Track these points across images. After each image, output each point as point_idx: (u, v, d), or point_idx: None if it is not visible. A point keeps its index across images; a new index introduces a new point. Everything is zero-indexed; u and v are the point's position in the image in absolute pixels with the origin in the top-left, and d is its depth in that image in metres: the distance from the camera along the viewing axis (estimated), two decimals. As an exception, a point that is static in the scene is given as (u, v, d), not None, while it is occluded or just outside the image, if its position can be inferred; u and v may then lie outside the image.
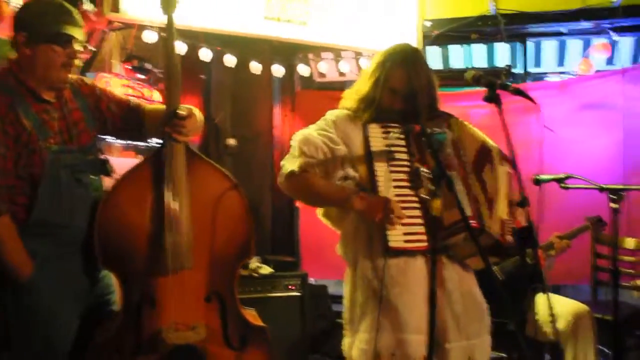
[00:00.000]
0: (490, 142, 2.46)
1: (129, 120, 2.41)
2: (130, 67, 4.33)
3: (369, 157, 2.28)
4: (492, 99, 2.14)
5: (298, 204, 5.20)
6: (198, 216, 2.29)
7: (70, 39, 2.14)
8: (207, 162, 2.38)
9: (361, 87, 2.41)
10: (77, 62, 2.21)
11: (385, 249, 2.21)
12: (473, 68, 6.03)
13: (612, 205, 3.06)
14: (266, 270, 4.16)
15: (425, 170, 2.09)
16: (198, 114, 2.35)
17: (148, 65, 4.36)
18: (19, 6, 3.31)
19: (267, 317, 2.52)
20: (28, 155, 2.09)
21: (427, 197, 2.05)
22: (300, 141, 2.31)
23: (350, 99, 2.44)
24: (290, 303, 4.15)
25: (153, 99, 4.49)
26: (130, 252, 2.24)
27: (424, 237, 2.21)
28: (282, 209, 5.31)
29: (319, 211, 2.48)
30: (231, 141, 5.15)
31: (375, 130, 2.32)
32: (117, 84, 4.18)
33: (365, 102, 2.37)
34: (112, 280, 2.37)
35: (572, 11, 4.80)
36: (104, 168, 2.34)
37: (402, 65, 2.35)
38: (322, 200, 2.39)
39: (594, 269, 4.19)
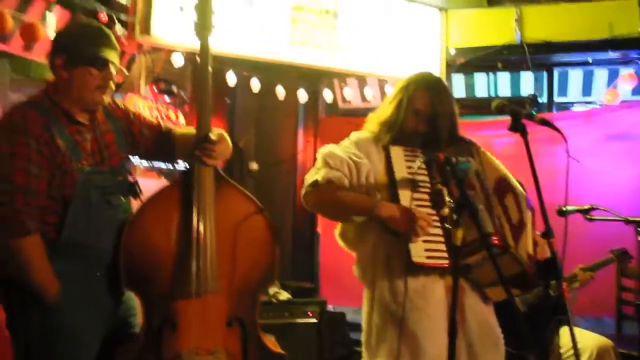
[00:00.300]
0: (515, 182, 2.44)
1: (160, 144, 2.43)
2: (157, 90, 4.39)
3: (393, 184, 2.27)
4: (517, 128, 2.13)
5: (319, 228, 5.20)
6: (224, 240, 2.29)
7: (107, 62, 2.17)
8: (235, 186, 2.38)
9: (384, 110, 2.43)
10: (111, 84, 2.24)
11: (407, 264, 2.19)
12: (498, 97, 6.03)
13: (639, 238, 3.01)
14: (284, 296, 4.15)
15: (448, 199, 2.08)
16: (228, 138, 2.37)
17: (174, 88, 4.42)
18: (53, 27, 3.41)
19: (284, 344, 2.50)
20: (61, 176, 2.12)
21: (449, 225, 2.03)
22: (325, 154, 2.32)
23: (372, 122, 2.45)
24: (307, 330, 4.12)
25: (178, 121, 4.56)
26: (155, 274, 2.24)
27: (445, 255, 2.20)
28: (303, 235, 5.32)
29: (336, 232, 2.47)
30: (254, 165, 5.19)
31: (397, 152, 2.32)
32: (143, 105, 4.25)
33: (387, 125, 2.37)
34: (134, 302, 2.37)
35: (599, 41, 4.77)
36: (133, 190, 2.35)
37: (426, 88, 2.37)
38: (347, 208, 2.32)
39: (619, 302, 4.11)
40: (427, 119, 2.33)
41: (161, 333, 2.22)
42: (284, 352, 2.43)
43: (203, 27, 2.33)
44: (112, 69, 2.20)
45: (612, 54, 4.85)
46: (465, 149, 2.34)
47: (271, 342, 2.44)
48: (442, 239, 2.22)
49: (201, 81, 2.33)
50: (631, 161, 4.64)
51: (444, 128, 2.32)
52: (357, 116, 5.52)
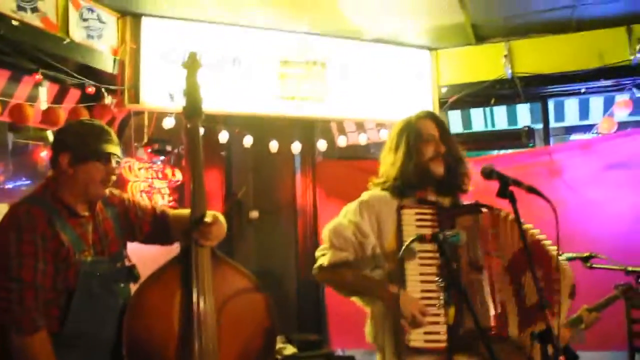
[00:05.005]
0: (544, 249, 2.37)
1: (156, 226, 2.49)
2: (151, 151, 4.42)
3: (401, 257, 2.23)
4: (505, 195, 2.11)
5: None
6: (224, 318, 2.33)
7: (110, 157, 2.25)
8: (232, 264, 2.43)
9: (394, 160, 2.43)
10: (113, 178, 2.30)
11: (405, 346, 2.21)
12: (493, 131, 6.02)
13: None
14: (290, 350, 4.13)
15: (439, 280, 2.06)
16: (222, 220, 2.41)
17: (168, 147, 4.45)
18: (45, 99, 3.44)
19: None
20: (65, 270, 2.16)
21: (442, 305, 2.02)
22: (331, 232, 2.38)
23: (386, 174, 2.45)
24: (315, 382, 4.11)
25: (175, 177, 4.58)
26: (158, 354, 2.25)
27: (444, 337, 2.18)
28: (308, 280, 5.26)
29: None
30: (254, 214, 5.18)
31: (409, 217, 2.30)
32: (138, 167, 4.28)
33: (402, 173, 2.38)
34: None
35: (591, 70, 4.76)
36: (132, 275, 2.40)
37: (427, 116, 2.44)
38: (352, 292, 2.43)
39: (630, 336, 4.04)
40: (446, 161, 2.35)
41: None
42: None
43: (193, 113, 2.38)
44: (114, 163, 2.28)
45: (605, 82, 4.84)
46: (473, 213, 2.30)
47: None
48: (443, 319, 2.19)
49: (194, 164, 2.38)
50: (632, 190, 4.57)
51: (463, 172, 2.35)
52: (354, 158, 5.56)
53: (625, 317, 4.04)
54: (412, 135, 2.39)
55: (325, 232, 2.41)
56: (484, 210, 2.32)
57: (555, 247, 2.41)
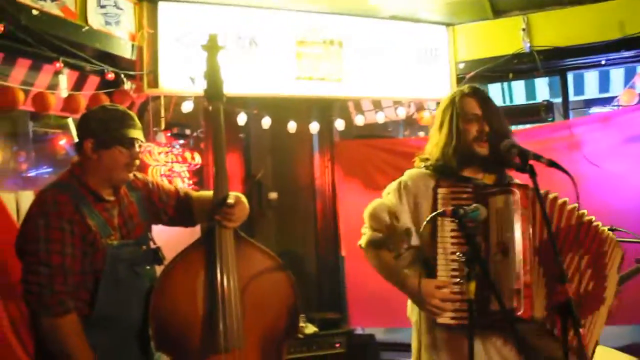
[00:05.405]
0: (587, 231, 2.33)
1: (180, 209, 2.54)
2: (170, 135, 4.45)
3: (434, 236, 2.28)
4: (525, 169, 2.11)
5: (343, 251, 5.21)
6: (247, 297, 2.38)
7: (133, 141, 2.29)
8: (254, 245, 2.47)
9: (438, 139, 2.42)
10: (137, 162, 2.34)
11: (434, 322, 2.29)
12: (512, 106, 5.96)
13: (661, 259, 2.94)
14: (311, 329, 4.18)
15: (459, 253, 2.07)
16: (245, 201, 2.44)
17: (187, 131, 4.48)
18: (65, 86, 3.47)
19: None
20: (93, 253, 2.22)
21: (462, 280, 2.03)
22: (370, 215, 2.45)
23: (430, 152, 2.45)
24: (336, 360, 4.15)
25: (195, 161, 4.62)
26: (184, 335, 2.32)
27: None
28: (327, 259, 5.31)
29: None
30: (273, 195, 5.21)
31: (444, 196, 2.32)
32: (158, 151, 4.32)
33: (444, 153, 2.38)
34: None
35: (611, 42, 4.66)
36: (157, 257, 2.45)
37: (470, 93, 2.38)
38: (383, 275, 2.48)
39: (654, 309, 4.02)
40: (490, 140, 2.32)
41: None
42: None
43: (215, 95, 2.40)
44: (137, 147, 2.31)
45: (626, 53, 4.75)
46: (505, 192, 2.27)
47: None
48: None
49: (217, 146, 2.40)
50: (654, 163, 4.52)
51: (502, 130, 2.31)
52: (372, 137, 5.55)
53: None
54: (454, 114, 2.36)
55: (365, 212, 2.46)
56: (517, 190, 2.29)
57: (607, 230, 2.39)
